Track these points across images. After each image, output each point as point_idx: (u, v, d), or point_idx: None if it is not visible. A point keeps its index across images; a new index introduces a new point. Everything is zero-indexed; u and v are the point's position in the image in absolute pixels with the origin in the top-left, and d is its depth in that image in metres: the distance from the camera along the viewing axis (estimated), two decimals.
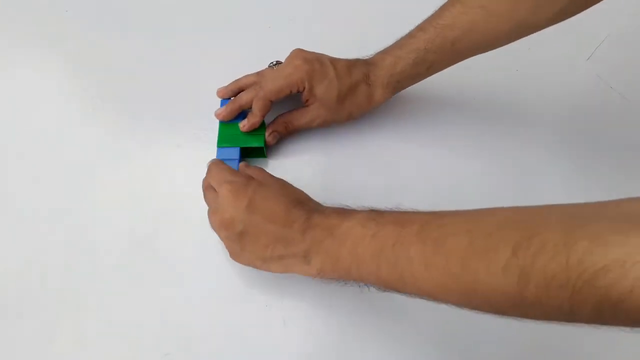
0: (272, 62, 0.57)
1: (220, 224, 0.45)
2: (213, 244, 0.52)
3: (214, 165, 0.49)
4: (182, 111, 0.59)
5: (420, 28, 0.51)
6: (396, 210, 0.40)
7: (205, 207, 0.53)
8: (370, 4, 0.68)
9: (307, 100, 0.54)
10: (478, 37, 0.49)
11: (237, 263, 0.47)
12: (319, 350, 0.47)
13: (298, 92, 0.54)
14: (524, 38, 0.50)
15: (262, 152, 0.56)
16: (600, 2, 0.48)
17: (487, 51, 0.51)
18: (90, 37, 0.66)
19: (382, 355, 0.47)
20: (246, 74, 0.58)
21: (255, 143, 0.55)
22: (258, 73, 0.57)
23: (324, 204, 0.46)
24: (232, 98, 0.57)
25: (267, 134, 0.55)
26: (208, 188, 0.48)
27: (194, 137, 0.58)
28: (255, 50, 0.64)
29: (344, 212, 0.42)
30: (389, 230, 0.38)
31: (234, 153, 0.54)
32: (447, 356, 0.47)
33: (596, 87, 0.62)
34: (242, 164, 0.52)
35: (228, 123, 0.56)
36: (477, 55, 0.52)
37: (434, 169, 0.56)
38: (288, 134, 0.57)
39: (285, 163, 0.57)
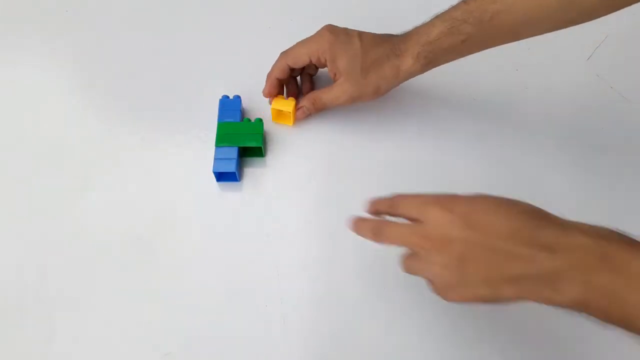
0: None
1: (433, 248, 0.36)
2: (213, 244, 0.52)
3: (399, 197, 0.41)
4: (182, 111, 0.59)
5: (465, 0, 0.49)
6: None
7: (204, 206, 0.54)
8: (370, 4, 0.68)
9: (334, 75, 0.54)
10: (519, 14, 0.46)
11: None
12: (319, 350, 0.47)
13: (321, 63, 0.54)
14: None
15: (260, 151, 0.56)
16: None
17: (523, 37, 0.49)
18: (90, 37, 0.66)
19: (382, 355, 0.47)
20: (246, 74, 0.58)
21: (253, 143, 0.54)
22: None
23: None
24: (226, 97, 0.58)
25: (296, 109, 0.56)
26: (397, 226, 0.39)
27: (194, 137, 0.58)
28: (255, 50, 0.64)
29: (631, 244, 0.33)
30: None
31: (232, 152, 0.54)
32: (446, 356, 0.47)
33: (596, 87, 0.62)
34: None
35: (226, 122, 0.56)
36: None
37: (434, 169, 0.56)
38: (316, 111, 0.57)
39: (283, 163, 0.57)
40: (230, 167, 0.53)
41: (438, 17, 0.51)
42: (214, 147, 0.54)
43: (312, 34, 0.65)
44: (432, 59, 0.51)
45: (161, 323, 0.48)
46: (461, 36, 0.49)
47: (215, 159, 0.54)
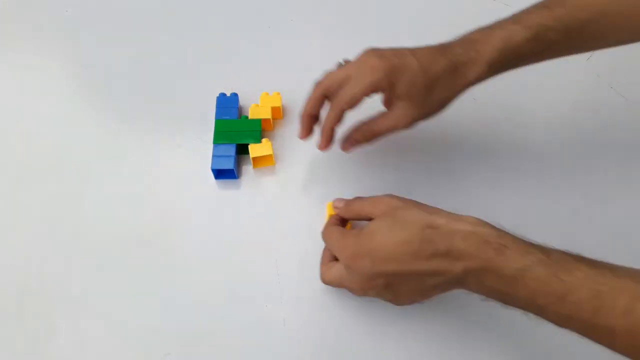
0: (340, 62, 0.50)
1: (361, 289, 0.44)
2: (213, 244, 0.52)
3: (326, 233, 0.47)
4: (182, 111, 0.59)
5: (542, 5, 0.46)
6: (582, 260, 0.37)
7: (204, 205, 0.54)
8: (370, 4, 0.68)
9: (387, 102, 0.49)
10: (608, 23, 0.45)
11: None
12: (319, 350, 0.47)
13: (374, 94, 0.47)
14: None
15: None
16: None
17: (610, 46, 0.47)
18: (90, 36, 0.66)
19: (381, 355, 0.47)
20: (243, 71, 0.58)
21: (251, 140, 0.54)
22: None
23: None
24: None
25: (344, 143, 0.51)
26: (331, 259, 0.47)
27: (194, 137, 0.58)
28: (255, 50, 0.64)
29: (502, 249, 0.38)
30: (584, 297, 0.35)
31: (230, 150, 0.54)
32: (446, 356, 0.47)
33: (596, 87, 0.62)
34: (341, 201, 0.49)
35: (223, 120, 0.56)
36: None
37: (435, 169, 0.56)
38: (367, 143, 0.50)
39: (282, 160, 0.57)
40: (229, 164, 0.53)
41: (515, 23, 0.46)
42: (212, 144, 0.55)
43: (311, 34, 0.65)
44: (503, 66, 0.47)
45: (161, 323, 0.48)
46: (545, 43, 0.46)
47: (214, 156, 0.54)
